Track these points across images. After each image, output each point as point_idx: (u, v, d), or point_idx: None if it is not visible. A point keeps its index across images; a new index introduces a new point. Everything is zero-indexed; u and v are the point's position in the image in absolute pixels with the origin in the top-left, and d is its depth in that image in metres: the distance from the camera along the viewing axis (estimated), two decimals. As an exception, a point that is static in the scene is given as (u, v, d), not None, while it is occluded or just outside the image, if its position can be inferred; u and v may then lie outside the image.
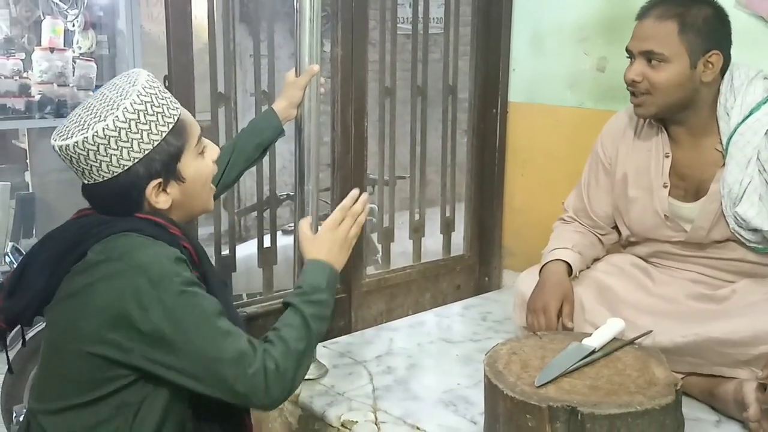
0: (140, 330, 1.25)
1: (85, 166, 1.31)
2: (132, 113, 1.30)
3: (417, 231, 2.79)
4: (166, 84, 2.07)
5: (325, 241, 1.54)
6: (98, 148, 1.29)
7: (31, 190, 4.85)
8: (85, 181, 1.35)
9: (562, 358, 1.59)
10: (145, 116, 1.31)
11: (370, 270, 2.72)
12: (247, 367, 1.28)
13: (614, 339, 1.67)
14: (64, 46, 4.23)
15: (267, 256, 2.39)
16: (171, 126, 1.34)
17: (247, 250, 2.69)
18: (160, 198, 1.36)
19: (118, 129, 1.29)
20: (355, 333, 2.35)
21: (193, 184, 1.40)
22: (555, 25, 2.65)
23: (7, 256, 4.24)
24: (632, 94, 1.84)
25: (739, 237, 1.80)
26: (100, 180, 1.32)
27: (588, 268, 2.03)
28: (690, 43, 1.75)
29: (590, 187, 2.08)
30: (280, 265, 2.42)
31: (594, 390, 1.48)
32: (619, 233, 2.07)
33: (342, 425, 1.73)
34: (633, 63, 1.82)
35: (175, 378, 1.28)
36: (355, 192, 1.59)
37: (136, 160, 1.31)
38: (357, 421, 1.72)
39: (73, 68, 4.20)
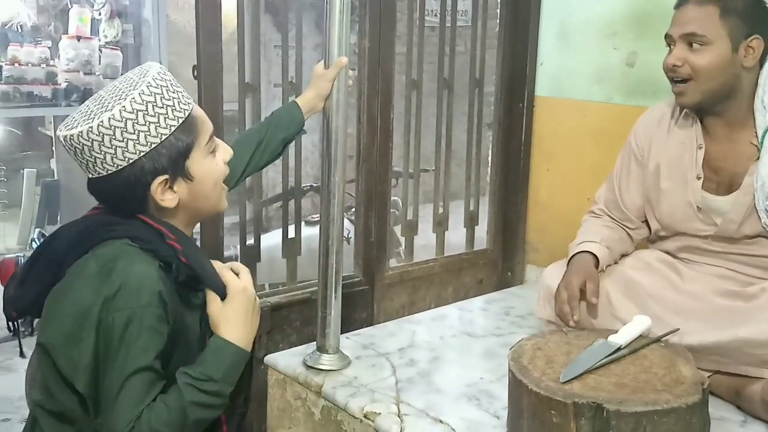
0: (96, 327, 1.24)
1: (89, 158, 1.28)
2: (140, 104, 1.27)
3: (440, 224, 2.78)
4: (195, 74, 2.07)
5: (236, 311, 1.38)
6: (103, 138, 1.25)
7: (56, 177, 4.91)
8: (90, 175, 1.31)
9: (588, 355, 1.58)
10: (153, 108, 1.27)
11: (393, 263, 2.72)
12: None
13: (641, 336, 1.66)
14: (91, 34, 4.27)
15: (291, 247, 2.40)
16: (181, 120, 1.31)
17: (271, 240, 2.70)
18: (166, 196, 1.32)
19: (124, 120, 1.26)
20: (378, 325, 2.35)
21: (201, 184, 1.35)
22: (583, 19, 2.62)
23: (33, 242, 4.29)
24: (673, 82, 1.83)
25: None
26: (105, 173, 1.28)
27: (616, 263, 2.02)
28: (731, 26, 1.75)
29: (622, 179, 2.07)
30: (303, 255, 2.42)
31: (620, 387, 1.48)
32: (649, 228, 2.05)
33: (365, 416, 1.73)
34: (673, 49, 1.81)
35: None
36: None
37: (142, 154, 1.27)
38: (380, 413, 1.72)
39: (99, 57, 4.24)
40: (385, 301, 2.59)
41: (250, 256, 2.32)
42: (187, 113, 1.32)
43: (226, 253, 2.31)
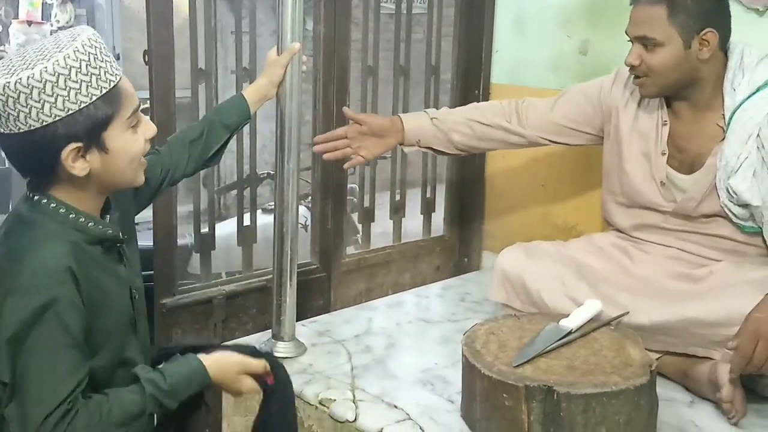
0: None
1: (2, 113, 1.23)
2: (63, 68, 1.22)
3: (397, 211, 2.79)
4: (146, 59, 2.04)
5: (232, 365, 1.46)
6: (19, 96, 1.21)
7: (6, 165, 4.79)
8: (2, 130, 1.26)
9: (540, 339, 1.61)
10: (77, 74, 1.23)
11: (350, 250, 2.72)
12: (54, 411, 1.20)
13: (591, 320, 1.69)
14: (42, 19, 4.17)
15: (247, 235, 2.38)
16: (104, 91, 1.26)
17: (226, 228, 2.67)
18: (77, 164, 1.27)
19: (44, 81, 1.21)
20: (334, 312, 2.35)
21: (116, 158, 1.31)
22: (538, 7, 2.64)
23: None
24: (633, 75, 1.89)
25: (728, 212, 1.83)
26: (16, 131, 1.23)
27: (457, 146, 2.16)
28: (681, 24, 1.78)
29: (566, 102, 2.13)
30: (259, 243, 2.41)
31: (570, 370, 1.50)
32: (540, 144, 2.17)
33: (320, 403, 1.74)
34: (632, 47, 1.85)
35: None
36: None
37: (57, 118, 1.23)
38: (335, 399, 1.72)
39: (51, 42, 4.15)
40: (342, 289, 2.59)
41: (205, 244, 2.30)
42: (112, 84, 1.27)
43: (180, 242, 2.28)
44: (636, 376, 1.47)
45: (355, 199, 2.89)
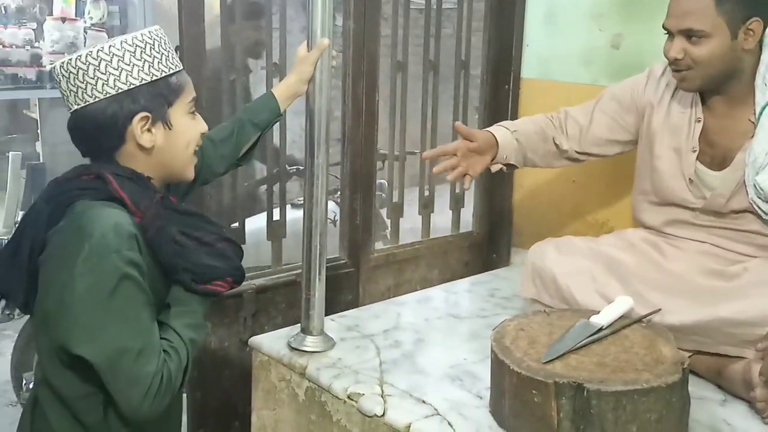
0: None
1: (81, 84, 1.33)
2: (140, 41, 1.35)
3: (426, 207, 2.78)
4: (178, 54, 2.05)
5: None
6: (99, 64, 1.32)
7: (41, 161, 4.87)
8: (77, 105, 1.35)
9: (570, 335, 1.59)
10: (151, 50, 1.36)
11: (379, 245, 2.72)
12: (157, 364, 1.30)
13: (622, 317, 1.67)
14: (76, 16, 4.22)
15: (276, 230, 2.39)
16: (172, 71, 1.39)
17: (256, 223, 2.69)
18: (145, 135, 1.36)
19: (123, 50, 1.33)
20: (363, 307, 2.35)
21: (177, 138, 1.41)
22: (569, 1, 2.61)
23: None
24: (674, 69, 1.85)
25: (757, 209, 1.80)
26: (92, 101, 1.34)
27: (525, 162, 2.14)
28: (728, 14, 1.74)
29: (597, 110, 2.12)
30: (289, 238, 2.42)
31: (601, 367, 1.49)
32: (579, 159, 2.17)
33: (348, 397, 1.74)
34: (673, 40, 1.82)
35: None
36: None
37: (132, 86, 1.34)
38: (363, 394, 1.73)
39: (85, 38, 4.19)
40: (371, 284, 2.59)
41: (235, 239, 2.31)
42: (178, 69, 1.42)
43: (210, 236, 2.30)
44: (668, 373, 1.45)
45: (383, 195, 2.89)
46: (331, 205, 3.13)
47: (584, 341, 1.57)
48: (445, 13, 2.73)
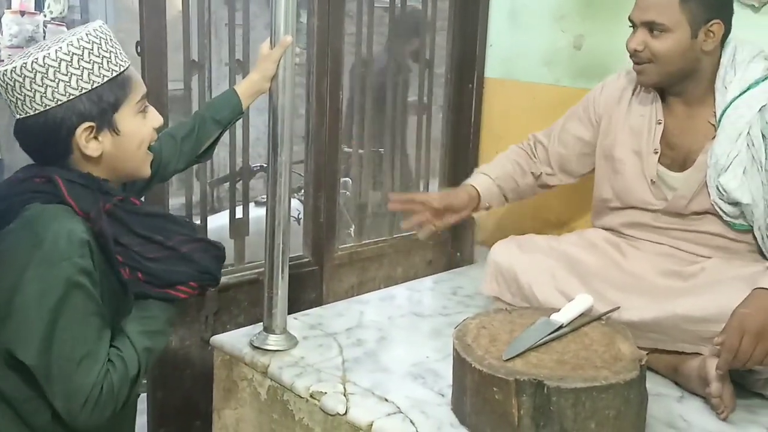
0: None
1: (20, 95, 1.29)
2: (77, 48, 1.29)
3: (390, 205, 2.78)
4: (138, 50, 2.03)
5: None
6: (35, 76, 1.27)
7: (0, 157, 4.78)
8: (18, 115, 1.32)
9: (531, 333, 1.61)
10: (89, 55, 1.30)
11: (343, 243, 2.72)
12: (98, 376, 1.28)
13: (582, 314, 1.69)
14: (35, 9, 4.15)
15: (239, 228, 2.38)
16: (115, 74, 1.34)
17: (219, 221, 2.67)
18: (90, 144, 1.33)
19: (59, 60, 1.28)
20: (326, 305, 2.35)
21: (127, 141, 1.37)
22: (533, 1, 2.64)
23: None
24: (634, 62, 1.88)
25: (718, 210, 1.84)
26: (32, 113, 1.30)
27: (506, 200, 2.21)
28: (691, 12, 1.78)
29: (562, 129, 2.16)
30: (251, 236, 2.40)
31: (560, 364, 1.50)
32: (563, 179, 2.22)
33: (311, 396, 1.73)
34: (635, 32, 1.85)
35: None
36: None
37: (72, 97, 1.29)
38: (326, 392, 1.72)
39: (44, 33, 4.13)
40: (334, 282, 2.59)
41: (197, 237, 2.29)
42: (122, 69, 1.35)
43: (172, 234, 2.27)
44: (626, 370, 1.48)
45: (348, 193, 2.88)
46: (295, 203, 3.12)
47: (545, 339, 1.59)
48: (409, 11, 2.73)
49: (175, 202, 2.31)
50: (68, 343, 1.26)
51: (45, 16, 4.19)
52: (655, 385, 1.74)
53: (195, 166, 2.08)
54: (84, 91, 1.30)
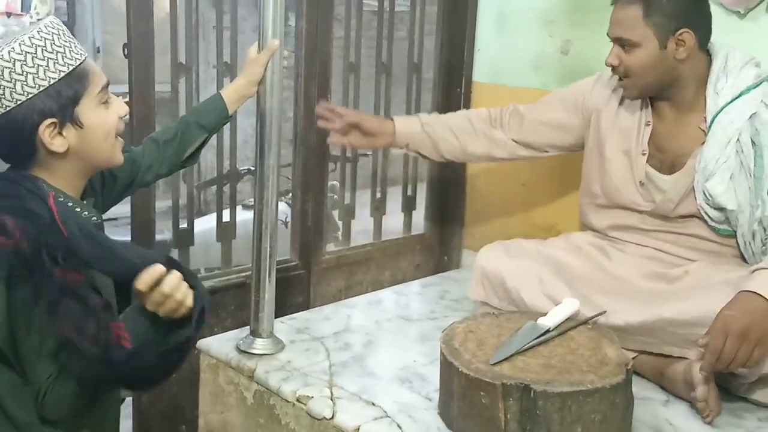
0: None
1: None
2: (29, 47, 1.28)
3: (378, 209, 2.78)
4: (125, 52, 2.02)
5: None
6: None
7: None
8: None
9: (518, 337, 1.61)
10: (43, 52, 1.29)
11: (330, 247, 2.71)
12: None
13: (569, 319, 1.70)
14: (22, 10, 4.12)
15: (226, 231, 2.37)
16: (71, 68, 1.32)
17: (205, 224, 2.66)
18: (55, 140, 1.33)
19: (13, 61, 1.27)
20: (314, 309, 2.35)
21: (92, 133, 1.36)
22: (520, 6, 2.65)
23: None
24: (617, 76, 1.93)
25: (704, 214, 1.85)
26: None
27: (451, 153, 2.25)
28: (656, 25, 1.80)
29: (547, 107, 2.18)
30: (239, 239, 2.40)
31: (547, 368, 1.51)
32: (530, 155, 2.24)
33: (297, 400, 1.73)
34: (612, 48, 1.89)
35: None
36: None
37: (30, 95, 1.29)
38: (312, 397, 1.72)
39: (30, 34, 4.10)
40: (322, 286, 2.58)
41: (184, 240, 2.29)
42: (78, 62, 1.34)
43: (158, 237, 2.26)
44: (612, 374, 1.48)
45: (335, 196, 2.88)
46: (282, 206, 3.11)
47: (531, 343, 1.59)
48: (398, 15, 2.74)
49: (162, 205, 2.29)
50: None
51: (31, 17, 4.16)
52: (641, 389, 1.74)
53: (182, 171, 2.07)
54: (42, 88, 1.29)
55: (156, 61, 2.06)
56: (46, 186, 1.34)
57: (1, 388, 1.33)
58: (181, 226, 2.29)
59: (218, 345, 1.95)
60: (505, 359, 1.53)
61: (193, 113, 1.83)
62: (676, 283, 1.83)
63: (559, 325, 1.67)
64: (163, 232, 2.67)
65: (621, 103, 2.01)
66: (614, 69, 1.89)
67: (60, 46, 1.31)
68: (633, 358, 1.72)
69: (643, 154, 1.94)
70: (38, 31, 1.29)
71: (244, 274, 2.32)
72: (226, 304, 2.32)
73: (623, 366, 1.51)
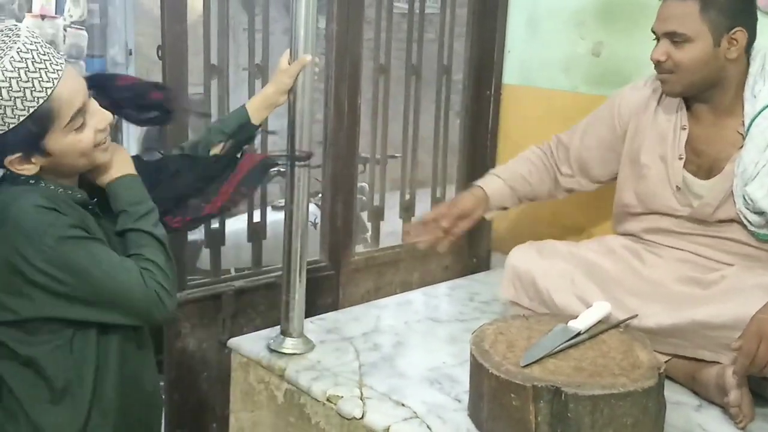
0: (35, 282, 1.30)
1: None
2: (1, 80, 1.24)
3: (407, 211, 2.79)
4: (159, 54, 2.05)
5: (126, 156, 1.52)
6: None
7: None
8: None
9: (548, 339, 1.61)
10: (9, 92, 1.25)
11: (359, 248, 2.72)
12: (144, 292, 1.37)
13: (600, 322, 1.69)
14: (56, 13, 4.18)
15: (256, 231, 2.39)
16: (32, 110, 1.27)
17: (236, 224, 2.68)
18: (24, 167, 1.33)
19: None
20: (343, 310, 2.35)
21: (63, 157, 1.35)
22: (551, 8, 2.64)
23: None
24: (658, 72, 1.88)
25: (743, 219, 1.83)
26: None
27: (519, 202, 2.23)
28: (712, 21, 1.77)
29: (585, 131, 2.15)
30: (269, 240, 2.41)
31: (578, 371, 1.50)
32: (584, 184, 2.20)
33: (327, 400, 1.74)
34: (658, 43, 1.85)
35: (87, 316, 1.37)
36: None
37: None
38: (342, 396, 1.73)
39: (64, 37, 4.15)
40: (351, 287, 2.59)
41: (215, 240, 2.31)
42: (41, 101, 1.28)
43: (190, 237, 2.29)
44: (644, 378, 1.47)
45: (365, 198, 2.89)
46: (312, 207, 3.13)
47: (562, 345, 1.59)
48: (427, 17, 2.74)
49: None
50: (97, 267, 1.34)
51: (65, 20, 4.22)
52: (673, 393, 1.73)
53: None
54: (11, 126, 1.27)
55: (188, 62, 2.08)
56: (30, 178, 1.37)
57: (41, 350, 1.37)
58: (212, 226, 2.31)
59: (249, 344, 1.97)
60: (536, 361, 1.53)
61: (217, 121, 1.86)
62: (711, 288, 1.81)
63: (590, 328, 1.66)
64: (194, 232, 2.69)
65: (658, 107, 1.98)
66: (660, 65, 1.85)
67: (27, 81, 1.26)
68: (665, 362, 1.71)
69: (680, 159, 1.92)
70: (10, 62, 1.24)
71: (274, 274, 2.34)
72: (257, 303, 2.34)
73: (655, 370, 1.50)
